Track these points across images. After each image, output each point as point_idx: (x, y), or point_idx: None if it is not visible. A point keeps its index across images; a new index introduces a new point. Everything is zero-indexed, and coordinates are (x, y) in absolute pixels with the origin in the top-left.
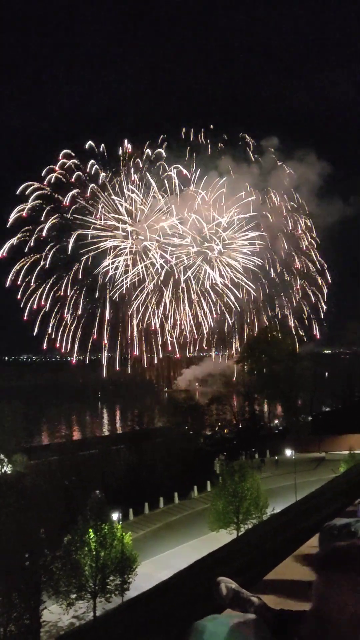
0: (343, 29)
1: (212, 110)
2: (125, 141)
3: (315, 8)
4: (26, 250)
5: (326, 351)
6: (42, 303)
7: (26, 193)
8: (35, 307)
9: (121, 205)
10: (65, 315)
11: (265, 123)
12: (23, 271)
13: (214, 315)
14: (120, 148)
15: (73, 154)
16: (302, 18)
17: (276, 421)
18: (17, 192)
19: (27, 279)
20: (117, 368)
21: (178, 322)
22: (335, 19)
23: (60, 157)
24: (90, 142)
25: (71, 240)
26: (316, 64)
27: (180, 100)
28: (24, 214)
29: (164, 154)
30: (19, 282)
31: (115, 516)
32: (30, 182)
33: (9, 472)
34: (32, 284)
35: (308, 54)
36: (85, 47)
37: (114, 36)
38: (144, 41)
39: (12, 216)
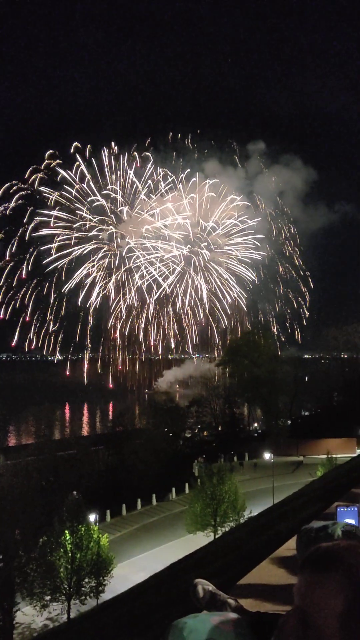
0: (331, 37)
1: (200, 115)
2: (112, 143)
3: (303, 16)
4: (8, 251)
5: (307, 356)
6: (24, 303)
7: (11, 192)
8: (17, 306)
9: (106, 207)
10: (48, 316)
11: (252, 128)
12: (5, 272)
13: (198, 320)
14: (107, 150)
15: (58, 154)
16: (290, 26)
17: (255, 424)
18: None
19: (8, 280)
20: (99, 369)
21: (161, 326)
22: (322, 27)
23: (45, 158)
24: (76, 143)
25: (55, 242)
26: (303, 71)
27: (167, 104)
28: (7, 213)
29: (151, 157)
30: (3, 280)
31: (92, 518)
32: (14, 182)
33: None
34: (14, 284)
35: (295, 61)
36: (73, 50)
37: (102, 38)
38: (133, 45)
39: None
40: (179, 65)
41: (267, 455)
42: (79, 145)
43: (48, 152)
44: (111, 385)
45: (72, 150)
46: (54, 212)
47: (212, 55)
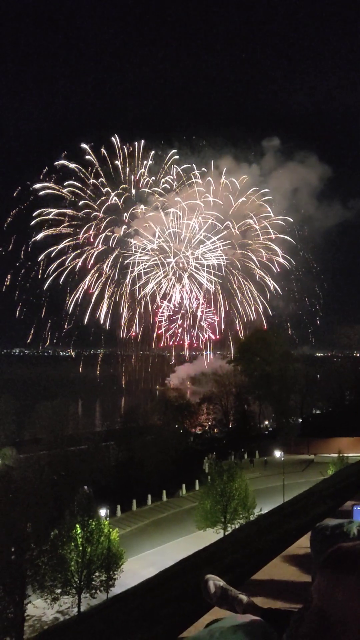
0: (347, 32)
1: (214, 113)
2: (127, 143)
3: (318, 11)
4: (22, 251)
5: (319, 354)
6: (40, 301)
7: (25, 192)
8: (33, 303)
9: (120, 206)
10: (64, 313)
11: (267, 124)
12: (21, 272)
13: (212, 318)
14: (121, 149)
15: (71, 154)
16: (306, 21)
17: (266, 422)
18: (15, 194)
19: (24, 279)
20: (111, 365)
21: (174, 328)
22: (338, 22)
23: (61, 157)
24: (91, 144)
25: (67, 241)
26: (319, 67)
27: (182, 103)
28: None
29: (165, 156)
30: (19, 279)
31: (102, 512)
32: (28, 183)
33: None
34: (29, 284)
35: (311, 56)
36: (89, 49)
37: (115, 37)
38: (146, 43)
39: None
40: (193, 63)
41: (277, 453)
42: (92, 145)
43: (63, 153)
44: (123, 381)
45: (86, 151)
46: (69, 211)
47: (226, 51)
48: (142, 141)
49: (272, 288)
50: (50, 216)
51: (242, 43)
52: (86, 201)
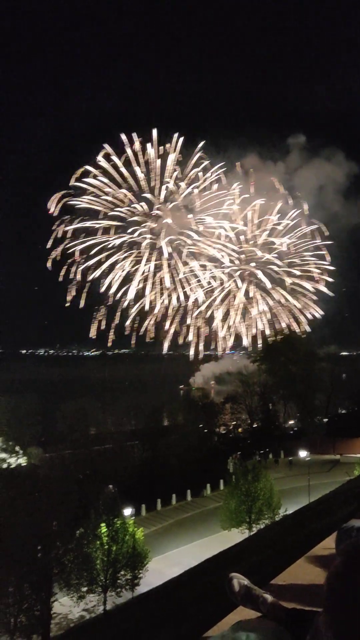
0: None
1: (241, 110)
2: (150, 144)
3: (343, 5)
4: (51, 256)
5: (344, 353)
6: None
7: (53, 206)
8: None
9: (151, 202)
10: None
11: (292, 121)
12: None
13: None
14: (145, 150)
15: (93, 158)
16: (330, 16)
17: (291, 422)
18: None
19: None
20: (136, 364)
21: (201, 329)
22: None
23: (99, 157)
24: (106, 147)
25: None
26: (344, 62)
27: (205, 101)
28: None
29: (191, 154)
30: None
31: (127, 511)
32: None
33: (23, 464)
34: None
35: (336, 51)
36: (109, 49)
37: (134, 38)
38: (172, 42)
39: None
40: (215, 62)
41: (302, 453)
42: (109, 151)
43: (81, 168)
44: (148, 380)
45: (109, 153)
46: (104, 222)
47: (249, 48)
48: (176, 136)
49: (299, 290)
50: (73, 224)
51: (265, 40)
52: (122, 204)
